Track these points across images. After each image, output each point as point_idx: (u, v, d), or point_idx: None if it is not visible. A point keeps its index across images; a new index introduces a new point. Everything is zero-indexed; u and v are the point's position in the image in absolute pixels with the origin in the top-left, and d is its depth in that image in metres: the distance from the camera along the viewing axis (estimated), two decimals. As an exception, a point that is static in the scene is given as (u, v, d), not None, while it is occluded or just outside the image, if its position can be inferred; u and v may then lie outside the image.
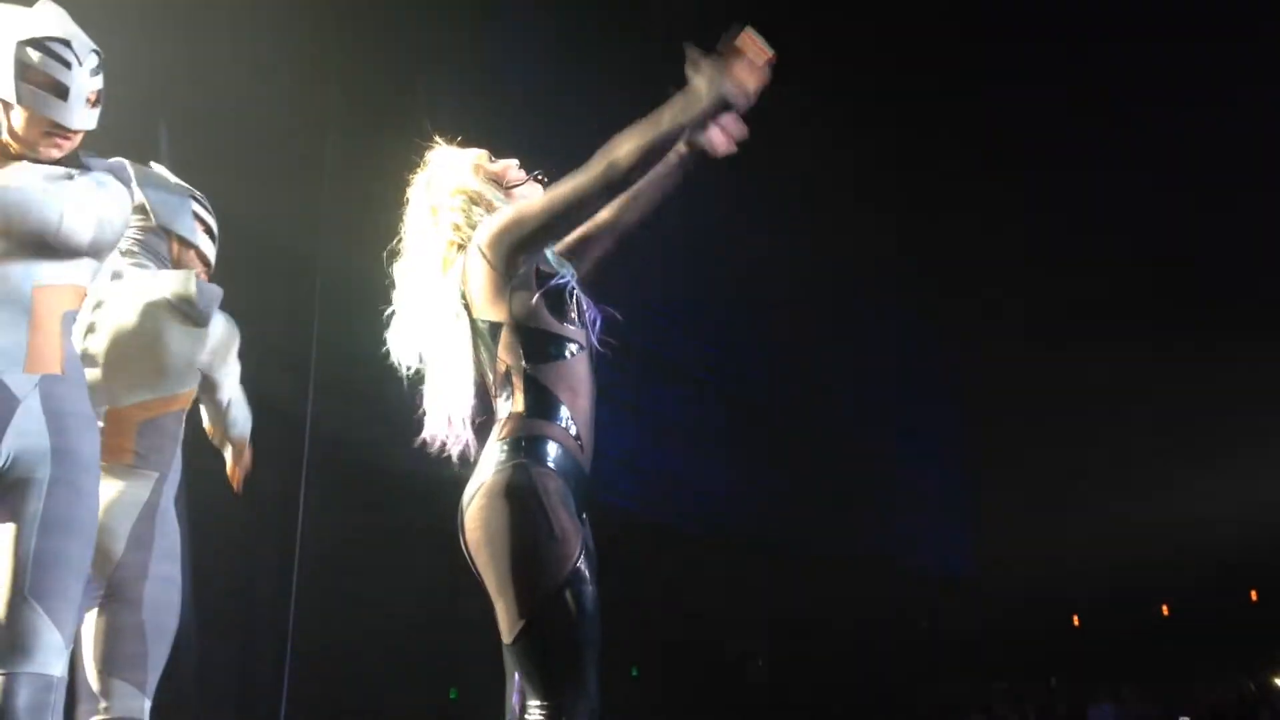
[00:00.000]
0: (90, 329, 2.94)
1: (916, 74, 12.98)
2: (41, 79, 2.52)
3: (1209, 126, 13.06)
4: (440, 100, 8.31)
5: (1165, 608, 18.32)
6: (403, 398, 2.63)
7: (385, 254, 2.70)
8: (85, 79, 2.58)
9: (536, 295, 2.47)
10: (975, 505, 19.02)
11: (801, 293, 14.40)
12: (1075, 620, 19.02)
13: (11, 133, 2.55)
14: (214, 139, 6.44)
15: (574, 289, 2.55)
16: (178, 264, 3.12)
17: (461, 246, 2.59)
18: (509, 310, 2.48)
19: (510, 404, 2.45)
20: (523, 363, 2.45)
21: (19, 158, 2.56)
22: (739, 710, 12.89)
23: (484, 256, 2.50)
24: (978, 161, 14.18)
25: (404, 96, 8.02)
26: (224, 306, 3.06)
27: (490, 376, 2.54)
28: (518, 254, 2.47)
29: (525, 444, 2.38)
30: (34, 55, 2.53)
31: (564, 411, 2.44)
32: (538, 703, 2.25)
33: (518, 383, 2.45)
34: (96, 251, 2.55)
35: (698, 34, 2.43)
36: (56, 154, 2.57)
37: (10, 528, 2.35)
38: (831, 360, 15.42)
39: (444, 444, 2.56)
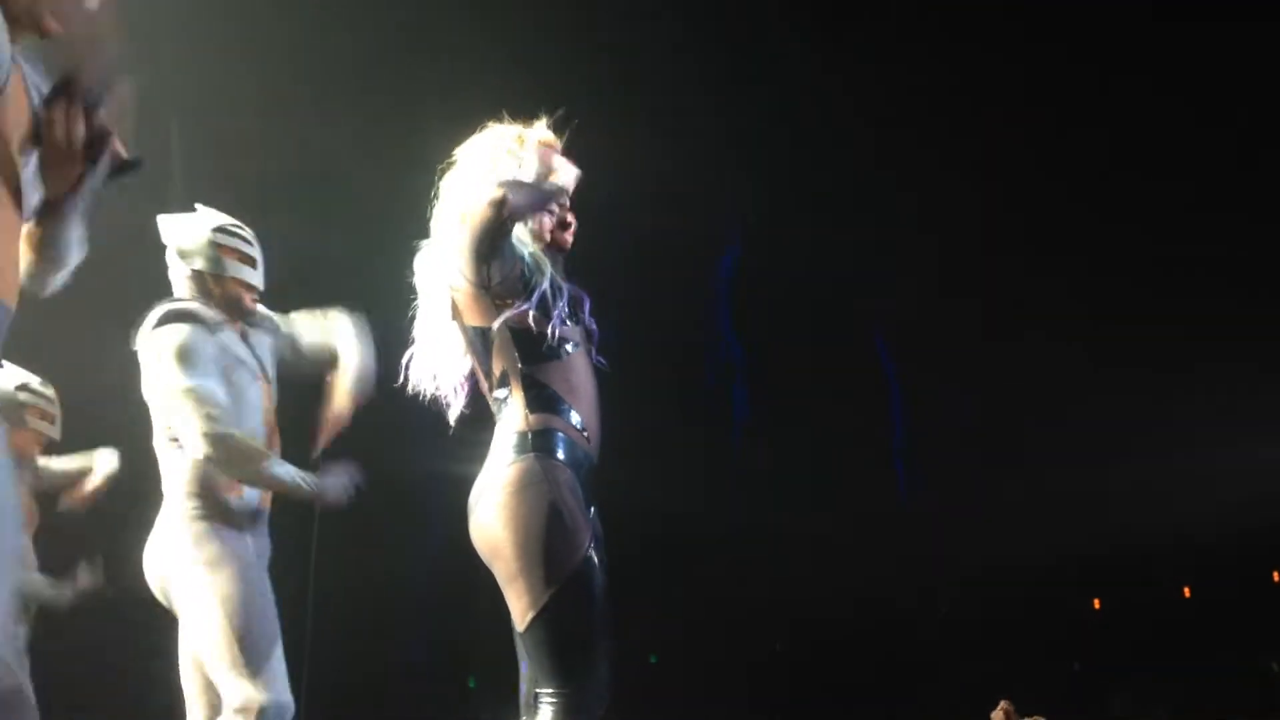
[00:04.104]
0: None
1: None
2: (238, 255, 3.31)
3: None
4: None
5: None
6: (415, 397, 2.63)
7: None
8: (258, 251, 3.37)
9: (522, 304, 2.44)
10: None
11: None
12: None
13: (219, 298, 3.29)
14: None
15: (559, 290, 2.50)
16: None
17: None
18: (495, 318, 2.45)
19: (512, 402, 2.44)
20: (519, 365, 2.44)
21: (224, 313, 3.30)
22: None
23: (458, 269, 2.47)
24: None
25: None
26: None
27: (483, 376, 2.52)
28: (484, 265, 2.43)
29: (534, 437, 2.38)
30: (227, 239, 3.30)
31: (567, 405, 2.42)
32: (549, 690, 2.24)
33: (515, 383, 2.43)
34: None
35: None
36: (249, 308, 3.36)
37: None
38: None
39: (431, 396, 2.61)
